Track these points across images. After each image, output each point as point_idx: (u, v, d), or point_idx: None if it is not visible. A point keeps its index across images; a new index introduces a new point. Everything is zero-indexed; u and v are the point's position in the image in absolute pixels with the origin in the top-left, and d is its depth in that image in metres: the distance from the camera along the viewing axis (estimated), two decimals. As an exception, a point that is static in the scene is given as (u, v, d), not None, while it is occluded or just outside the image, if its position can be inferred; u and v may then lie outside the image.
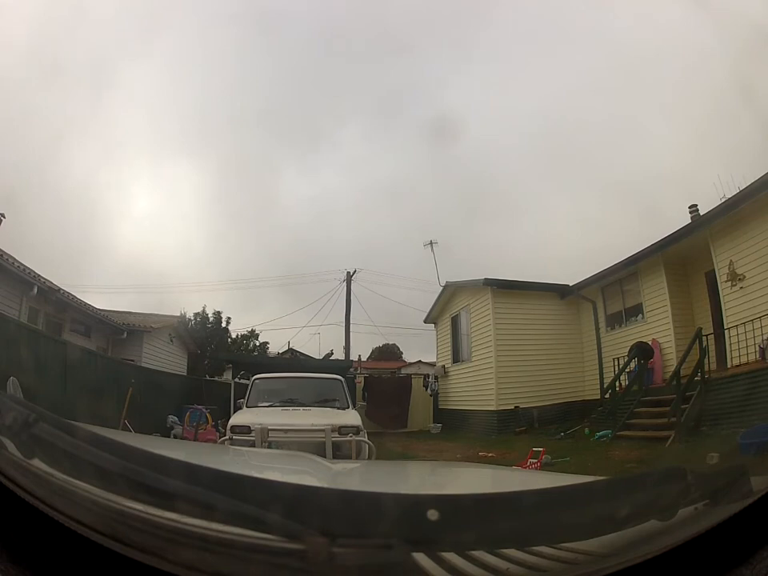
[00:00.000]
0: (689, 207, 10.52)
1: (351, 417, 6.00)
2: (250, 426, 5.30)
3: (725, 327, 8.55)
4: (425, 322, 16.14)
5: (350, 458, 4.90)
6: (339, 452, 5.13)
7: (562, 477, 2.17)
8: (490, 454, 8.17)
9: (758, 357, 7.79)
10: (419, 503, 0.72)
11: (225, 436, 5.55)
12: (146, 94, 20.01)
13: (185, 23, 18.54)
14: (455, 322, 14.46)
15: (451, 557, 0.69)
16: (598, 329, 11.98)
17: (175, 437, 9.86)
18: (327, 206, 27.52)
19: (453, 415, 13.67)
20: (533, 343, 11.92)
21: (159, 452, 0.76)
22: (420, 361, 22.69)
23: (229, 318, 21.30)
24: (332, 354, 21.17)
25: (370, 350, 27.94)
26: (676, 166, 17.92)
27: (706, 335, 8.82)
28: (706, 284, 9.81)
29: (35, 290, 10.60)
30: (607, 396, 10.43)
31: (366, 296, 19.75)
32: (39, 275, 10.83)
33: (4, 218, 10.35)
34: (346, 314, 19.12)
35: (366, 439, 5.19)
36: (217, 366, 19.17)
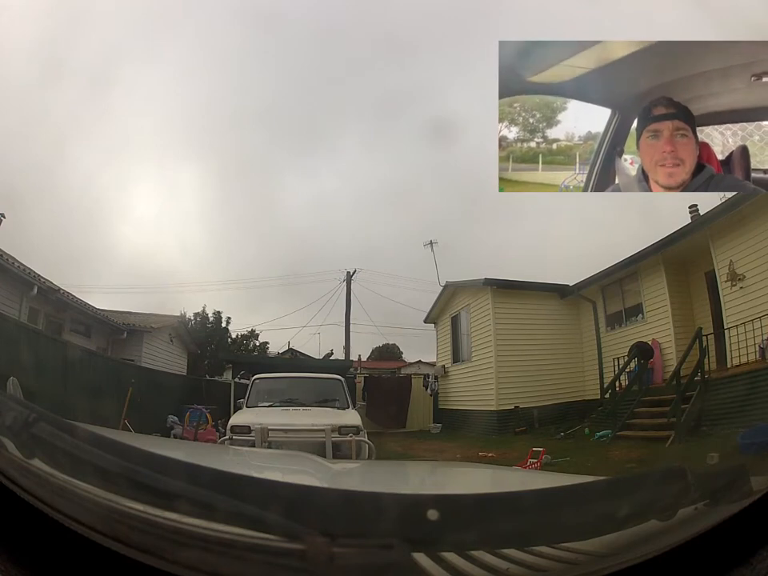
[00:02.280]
0: (689, 207, 10.50)
1: (351, 417, 5.99)
2: (249, 426, 5.30)
3: (725, 327, 8.55)
4: (425, 321, 16.12)
5: (350, 458, 4.90)
6: (339, 452, 5.12)
7: (562, 477, 2.17)
8: (490, 454, 8.16)
9: (757, 357, 7.79)
10: (419, 503, 0.72)
11: (225, 436, 5.55)
12: (147, 95, 20.02)
13: (185, 23, 18.51)
14: (455, 321, 14.45)
15: (451, 557, 0.70)
16: (597, 329, 11.98)
17: (175, 437, 9.84)
18: (327, 206, 27.48)
19: (453, 415, 13.66)
20: (533, 343, 11.91)
21: (159, 452, 0.76)
22: (420, 361, 22.62)
23: (229, 318, 21.30)
24: (332, 354, 21.13)
25: (370, 350, 27.85)
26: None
27: (706, 335, 8.81)
28: (705, 284, 9.80)
29: (35, 290, 10.59)
30: (607, 396, 10.42)
31: (366, 296, 19.67)
32: (39, 275, 10.82)
33: (4, 218, 10.36)
34: (345, 314, 19.09)
35: (366, 439, 5.19)
36: (217, 366, 19.15)
